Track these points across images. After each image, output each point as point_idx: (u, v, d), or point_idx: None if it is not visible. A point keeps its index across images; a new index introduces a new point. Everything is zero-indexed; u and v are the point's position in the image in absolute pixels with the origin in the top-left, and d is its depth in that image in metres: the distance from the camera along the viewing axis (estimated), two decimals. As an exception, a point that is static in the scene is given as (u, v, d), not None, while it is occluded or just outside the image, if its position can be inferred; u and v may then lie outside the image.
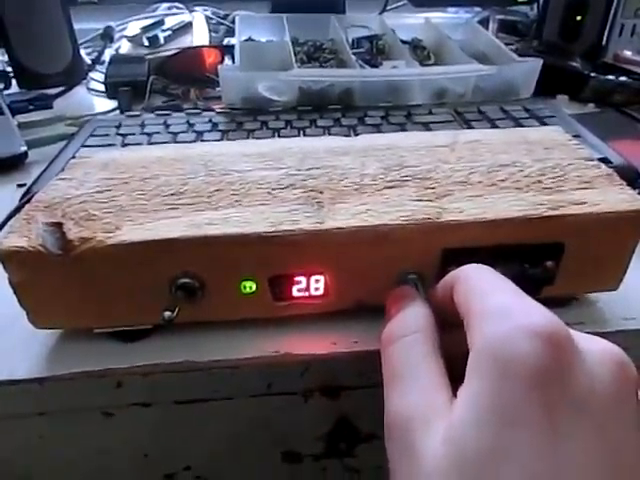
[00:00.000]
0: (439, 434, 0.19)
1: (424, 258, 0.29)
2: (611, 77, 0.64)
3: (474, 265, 0.24)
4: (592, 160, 0.33)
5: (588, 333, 0.22)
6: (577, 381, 0.18)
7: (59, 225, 0.28)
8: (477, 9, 0.90)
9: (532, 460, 0.17)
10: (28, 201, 0.31)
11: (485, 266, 0.24)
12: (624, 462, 0.17)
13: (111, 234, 0.27)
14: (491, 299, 0.21)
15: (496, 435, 0.17)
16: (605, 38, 0.70)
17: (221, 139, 0.52)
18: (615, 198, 0.29)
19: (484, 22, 0.83)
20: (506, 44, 0.69)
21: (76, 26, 0.72)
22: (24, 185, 0.48)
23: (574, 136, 0.37)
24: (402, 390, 0.22)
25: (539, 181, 0.31)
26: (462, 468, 0.17)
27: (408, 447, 0.20)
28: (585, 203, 0.29)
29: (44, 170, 0.48)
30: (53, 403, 0.32)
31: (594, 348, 0.20)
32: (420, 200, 0.30)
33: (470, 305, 0.22)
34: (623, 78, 0.64)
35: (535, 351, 0.18)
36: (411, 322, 0.25)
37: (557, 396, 0.18)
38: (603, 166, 0.32)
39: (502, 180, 0.31)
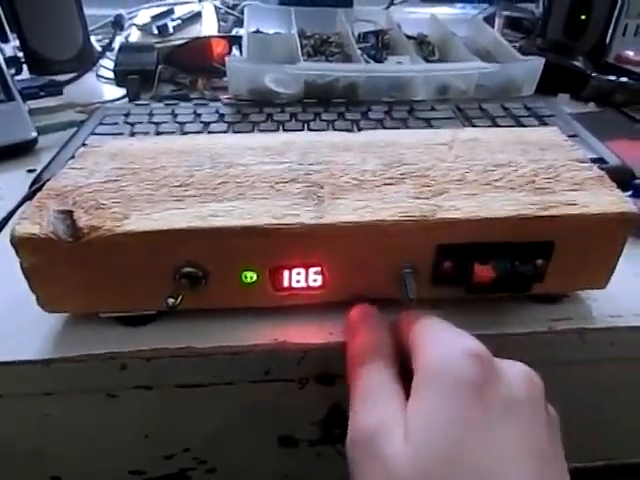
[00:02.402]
0: (400, 439, 0.23)
1: (419, 253, 0.30)
2: (612, 77, 0.64)
3: (433, 318, 0.28)
4: (585, 162, 0.34)
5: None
6: (502, 389, 0.23)
7: (70, 213, 0.29)
8: (484, 5, 0.90)
9: (475, 445, 0.22)
10: (39, 188, 0.32)
11: (441, 320, 0.28)
12: (540, 447, 0.23)
13: (119, 223, 0.28)
14: (434, 334, 0.27)
15: (447, 432, 0.22)
16: (609, 37, 0.70)
17: (227, 130, 0.53)
18: (604, 200, 0.30)
19: (491, 18, 0.84)
20: (511, 41, 0.70)
21: (86, 13, 0.73)
22: (34, 171, 0.49)
23: (571, 136, 0.38)
24: (370, 407, 0.25)
25: (532, 181, 0.32)
26: (424, 463, 0.22)
27: (374, 451, 0.23)
28: (575, 204, 0.30)
29: (54, 157, 0.49)
30: (59, 384, 0.33)
31: (511, 367, 0.25)
32: (417, 197, 0.31)
33: (418, 340, 0.27)
34: (624, 79, 0.64)
35: (469, 366, 0.23)
36: (379, 348, 0.28)
37: (490, 399, 0.23)
38: (595, 168, 0.33)
39: (497, 179, 0.32)
